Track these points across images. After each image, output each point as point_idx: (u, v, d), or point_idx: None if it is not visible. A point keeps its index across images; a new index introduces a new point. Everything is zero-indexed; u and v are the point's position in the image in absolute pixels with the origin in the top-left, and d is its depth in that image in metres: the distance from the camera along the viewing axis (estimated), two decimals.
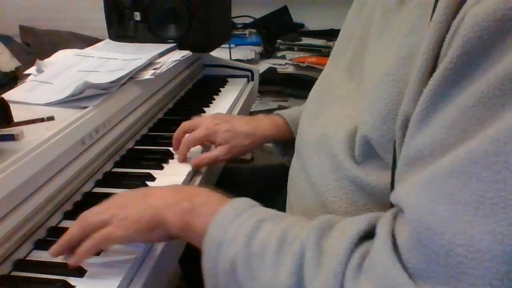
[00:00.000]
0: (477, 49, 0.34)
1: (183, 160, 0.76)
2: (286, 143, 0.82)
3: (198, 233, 0.48)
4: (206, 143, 0.80)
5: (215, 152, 0.76)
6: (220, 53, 1.31)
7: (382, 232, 0.39)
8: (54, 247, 0.53)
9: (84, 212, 0.54)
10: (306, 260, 0.41)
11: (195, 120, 0.79)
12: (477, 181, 0.32)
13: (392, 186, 0.45)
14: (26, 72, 0.90)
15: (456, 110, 0.35)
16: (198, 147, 0.79)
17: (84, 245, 0.51)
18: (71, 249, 0.52)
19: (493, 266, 0.32)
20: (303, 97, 0.86)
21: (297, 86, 1.85)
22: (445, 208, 0.34)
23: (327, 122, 0.57)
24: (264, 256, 0.43)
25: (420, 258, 0.35)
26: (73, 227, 0.52)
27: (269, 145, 0.87)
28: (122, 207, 0.52)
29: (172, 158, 0.77)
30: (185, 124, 0.78)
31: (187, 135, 0.77)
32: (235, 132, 0.76)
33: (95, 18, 1.20)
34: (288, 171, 0.69)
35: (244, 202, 0.49)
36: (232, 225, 0.46)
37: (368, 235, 0.41)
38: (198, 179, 0.74)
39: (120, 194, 0.56)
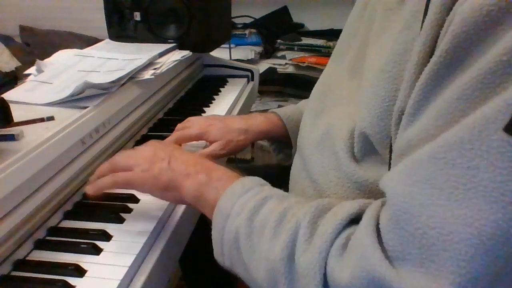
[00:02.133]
0: (463, 44, 0.35)
1: None
2: (281, 140, 0.83)
3: (210, 204, 0.52)
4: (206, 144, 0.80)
5: (211, 147, 0.76)
6: (220, 53, 1.31)
7: (367, 216, 0.41)
8: (88, 186, 0.59)
9: (117, 154, 0.62)
10: (299, 237, 0.44)
11: (189, 121, 0.80)
12: (452, 167, 0.34)
13: None
14: (26, 72, 0.90)
15: (442, 102, 0.36)
16: (194, 144, 0.79)
17: (107, 177, 0.58)
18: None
19: (462, 248, 0.33)
20: (303, 97, 0.86)
21: (297, 86, 1.85)
22: (422, 192, 0.36)
23: (330, 121, 0.58)
24: (263, 230, 0.47)
25: (398, 240, 0.37)
26: (103, 165, 0.60)
27: (267, 143, 0.87)
28: (148, 160, 0.57)
29: None
30: (179, 126, 0.79)
31: (179, 131, 0.77)
32: (228, 129, 0.77)
33: (95, 18, 1.20)
34: (287, 171, 0.69)
35: (254, 180, 0.53)
36: (239, 200, 0.50)
37: (358, 219, 0.42)
38: None
39: (153, 145, 0.62)
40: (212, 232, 0.52)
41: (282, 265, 0.44)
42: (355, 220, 0.43)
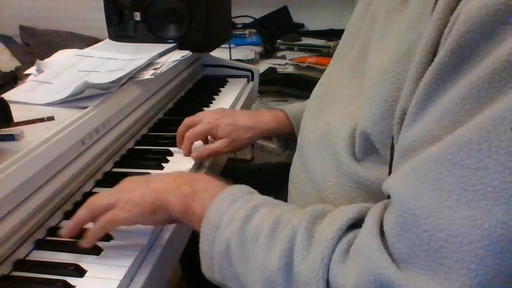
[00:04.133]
0: (469, 43, 0.34)
1: (188, 154, 0.77)
2: (287, 137, 0.83)
3: (197, 216, 0.50)
4: (209, 139, 0.81)
5: (216, 144, 0.77)
6: (220, 53, 1.31)
7: (370, 219, 0.40)
8: (64, 230, 0.55)
9: (91, 197, 0.56)
10: (296, 244, 0.43)
11: (198, 115, 0.80)
12: (461, 168, 0.34)
13: None
14: (26, 72, 0.90)
15: (447, 102, 0.36)
16: (200, 142, 0.79)
17: (93, 228, 0.53)
18: (80, 230, 0.55)
19: (472, 250, 0.33)
20: (303, 97, 0.86)
21: (297, 86, 1.85)
22: (429, 194, 0.35)
23: (329, 120, 0.58)
24: (257, 239, 0.45)
25: (404, 243, 0.37)
26: (81, 210, 0.54)
27: (270, 144, 0.87)
28: (127, 191, 0.54)
29: (172, 157, 0.77)
30: (188, 120, 0.79)
31: (190, 130, 0.78)
32: (236, 126, 0.77)
33: (95, 18, 1.20)
34: (288, 169, 0.69)
35: (242, 189, 0.52)
36: (228, 210, 0.48)
37: (358, 223, 0.42)
38: None
39: (126, 179, 0.58)
40: (200, 245, 0.49)
41: (279, 274, 0.42)
42: (354, 224, 0.42)
